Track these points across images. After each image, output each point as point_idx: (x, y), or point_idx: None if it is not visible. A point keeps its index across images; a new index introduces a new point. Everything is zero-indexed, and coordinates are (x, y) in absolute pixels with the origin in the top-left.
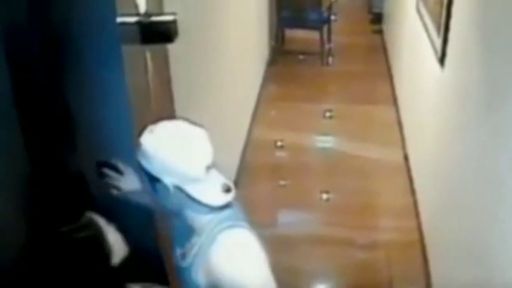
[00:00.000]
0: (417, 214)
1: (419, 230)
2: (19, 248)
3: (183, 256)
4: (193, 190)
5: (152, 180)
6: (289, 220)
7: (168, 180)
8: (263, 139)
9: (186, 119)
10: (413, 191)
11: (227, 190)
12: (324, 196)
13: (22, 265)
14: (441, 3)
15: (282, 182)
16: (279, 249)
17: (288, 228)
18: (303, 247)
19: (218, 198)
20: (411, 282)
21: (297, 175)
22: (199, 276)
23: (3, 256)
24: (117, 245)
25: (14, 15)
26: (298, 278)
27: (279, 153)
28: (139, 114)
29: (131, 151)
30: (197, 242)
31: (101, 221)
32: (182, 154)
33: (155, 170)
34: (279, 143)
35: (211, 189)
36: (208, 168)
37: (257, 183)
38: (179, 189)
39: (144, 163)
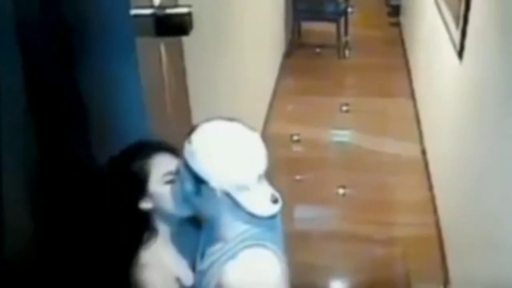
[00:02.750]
0: (434, 210)
1: (436, 226)
2: (27, 241)
3: (202, 257)
4: (242, 197)
5: (198, 181)
6: (305, 215)
7: (217, 184)
8: (279, 133)
9: (240, 121)
10: (430, 186)
11: (275, 201)
12: (341, 191)
13: (30, 257)
14: None
15: (298, 177)
16: (295, 244)
17: (304, 223)
18: (319, 242)
19: (266, 208)
20: (429, 277)
21: (314, 170)
22: (209, 286)
23: (12, 249)
24: (162, 199)
25: (27, 7)
26: (314, 273)
27: (295, 147)
28: (154, 106)
29: None
30: (220, 250)
31: (158, 170)
32: (236, 159)
33: (203, 172)
34: (295, 137)
35: (260, 199)
36: (260, 176)
37: (273, 177)
38: (226, 194)
39: (192, 163)
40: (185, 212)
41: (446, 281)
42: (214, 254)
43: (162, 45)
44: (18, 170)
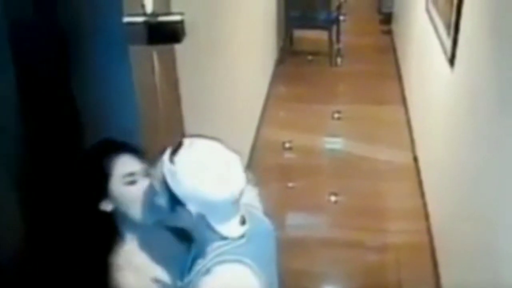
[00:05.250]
0: (426, 217)
1: (428, 233)
2: (18, 245)
3: (189, 270)
4: (215, 220)
5: (174, 201)
6: (297, 222)
7: (193, 208)
8: (271, 140)
9: (221, 141)
10: (422, 193)
11: (243, 222)
12: (333, 198)
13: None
14: (451, 2)
15: (290, 184)
16: (287, 251)
17: (296, 230)
18: (311, 249)
19: (235, 230)
20: (421, 285)
21: (306, 177)
22: None
23: (4, 252)
24: (123, 200)
25: (21, 13)
26: (306, 280)
27: (287, 155)
28: (147, 114)
29: None
30: (199, 264)
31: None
32: (215, 185)
33: (182, 194)
34: (287, 145)
35: (231, 221)
36: (236, 199)
37: (265, 185)
38: (201, 217)
39: (172, 183)
40: (149, 220)
41: (438, 287)
42: (195, 268)
43: (155, 53)
44: (6, 170)
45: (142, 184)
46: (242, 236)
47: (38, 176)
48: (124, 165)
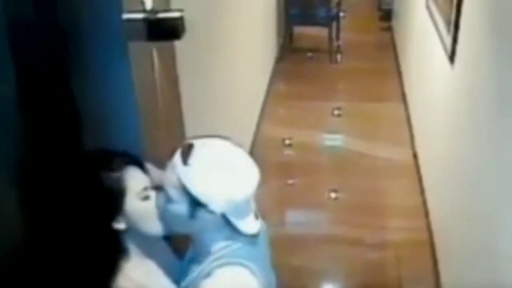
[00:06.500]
0: (426, 214)
1: (428, 230)
2: (17, 246)
3: (186, 274)
4: (236, 218)
5: (195, 204)
6: (297, 219)
7: (217, 208)
8: (271, 137)
9: (228, 138)
10: (422, 190)
11: (256, 217)
12: (333, 195)
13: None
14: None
15: (290, 181)
16: (286, 248)
17: (296, 227)
18: (311, 246)
19: (253, 226)
20: (420, 282)
21: (306, 174)
22: None
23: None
24: (138, 217)
25: (21, 12)
26: (306, 277)
27: (287, 151)
28: (146, 111)
29: (137, 148)
30: (198, 267)
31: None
32: (233, 181)
33: (203, 196)
34: (287, 141)
35: (249, 217)
36: (251, 196)
37: (265, 181)
38: (223, 217)
39: (191, 187)
40: (163, 232)
41: (437, 285)
42: (194, 271)
43: (154, 50)
44: (6, 170)
45: (154, 197)
46: (257, 234)
47: (38, 176)
48: (137, 180)
